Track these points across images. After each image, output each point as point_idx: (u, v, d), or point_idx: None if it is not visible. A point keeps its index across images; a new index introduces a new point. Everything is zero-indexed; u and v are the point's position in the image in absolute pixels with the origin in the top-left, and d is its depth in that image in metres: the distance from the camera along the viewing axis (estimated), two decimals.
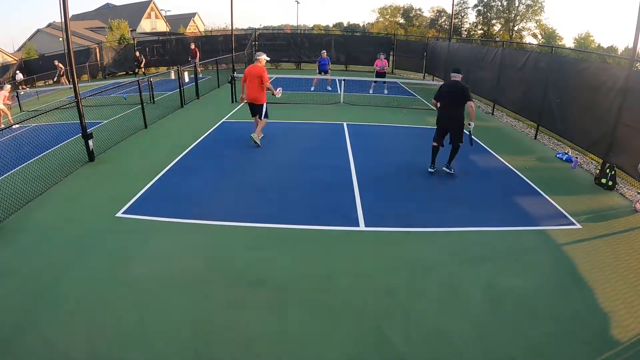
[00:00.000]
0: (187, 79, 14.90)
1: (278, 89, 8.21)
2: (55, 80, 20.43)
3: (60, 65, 20.28)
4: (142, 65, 21.05)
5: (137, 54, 20.99)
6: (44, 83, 21.57)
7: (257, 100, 7.67)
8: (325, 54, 14.89)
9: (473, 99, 6.46)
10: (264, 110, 7.79)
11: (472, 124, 6.42)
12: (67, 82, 19.31)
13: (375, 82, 14.56)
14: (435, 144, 6.64)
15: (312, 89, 14.37)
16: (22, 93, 15.21)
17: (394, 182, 6.31)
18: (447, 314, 3.44)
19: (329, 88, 15.11)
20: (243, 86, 7.86)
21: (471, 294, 3.70)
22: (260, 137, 7.84)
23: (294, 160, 7.19)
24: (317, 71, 14.79)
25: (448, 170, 6.66)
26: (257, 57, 7.75)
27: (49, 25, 32.25)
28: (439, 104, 6.72)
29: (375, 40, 25.34)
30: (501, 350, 3.06)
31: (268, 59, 7.95)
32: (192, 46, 19.35)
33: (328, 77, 14.99)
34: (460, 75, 6.80)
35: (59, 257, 4.15)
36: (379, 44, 22.47)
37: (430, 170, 6.67)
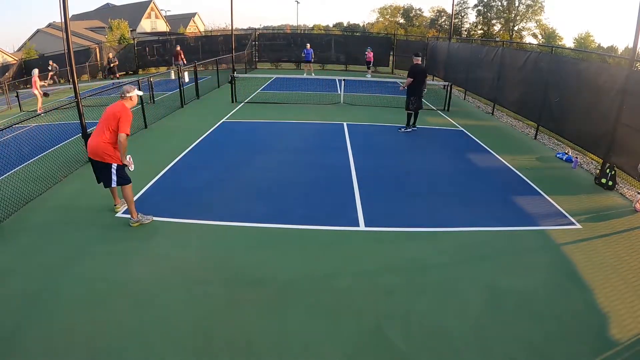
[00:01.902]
0: (187, 79, 14.90)
1: (128, 158, 4.68)
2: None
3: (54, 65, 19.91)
4: (114, 71, 18.36)
5: (110, 55, 18.52)
6: (44, 83, 21.54)
7: (98, 154, 4.57)
8: (310, 46, 19.40)
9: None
10: (114, 173, 4.63)
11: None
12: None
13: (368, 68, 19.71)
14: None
15: (310, 74, 17.85)
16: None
17: (394, 182, 6.31)
18: (447, 314, 3.44)
19: (312, 75, 18.13)
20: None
21: (471, 294, 3.70)
22: (138, 222, 4.78)
23: (294, 160, 7.19)
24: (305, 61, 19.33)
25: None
26: (124, 94, 4.65)
27: (49, 25, 32.24)
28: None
29: (375, 40, 25.32)
30: (501, 350, 3.06)
31: (140, 93, 5.01)
32: (178, 48, 18.79)
33: (311, 67, 19.58)
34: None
35: (59, 257, 4.15)
36: (379, 44, 22.47)
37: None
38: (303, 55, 19.30)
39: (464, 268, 4.11)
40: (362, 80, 16.78)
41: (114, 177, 4.64)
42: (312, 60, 19.27)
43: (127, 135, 4.54)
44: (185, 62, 17.68)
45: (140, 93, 5.06)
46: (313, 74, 18.05)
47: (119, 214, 5.06)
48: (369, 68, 19.54)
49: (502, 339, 3.17)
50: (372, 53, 19.25)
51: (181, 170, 6.67)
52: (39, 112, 9.62)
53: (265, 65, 23.84)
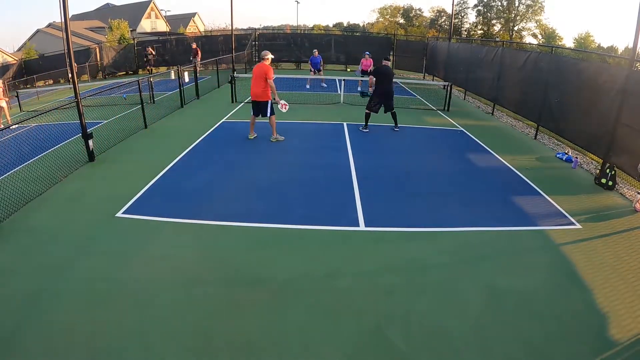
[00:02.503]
0: (187, 79, 14.90)
1: (282, 103, 8.30)
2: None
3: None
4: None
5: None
6: (44, 83, 21.58)
7: (259, 97, 7.91)
8: (317, 52, 15.93)
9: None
10: (269, 107, 7.94)
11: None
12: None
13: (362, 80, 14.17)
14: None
15: (308, 87, 15.33)
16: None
17: (394, 182, 6.31)
18: (447, 314, 3.44)
19: (324, 85, 15.96)
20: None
21: (471, 294, 3.70)
22: (276, 139, 8.21)
23: (294, 160, 7.19)
24: (310, 69, 15.85)
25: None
26: (263, 57, 7.93)
27: (49, 25, 32.26)
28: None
29: (375, 40, 25.33)
30: (501, 350, 3.06)
31: (272, 57, 8.01)
32: (194, 45, 19.14)
33: (321, 75, 15.88)
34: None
35: (59, 257, 4.15)
36: (379, 44, 22.49)
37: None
38: (310, 66, 15.78)
39: (464, 268, 4.11)
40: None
41: (268, 109, 7.94)
42: (322, 69, 15.77)
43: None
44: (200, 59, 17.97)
45: (270, 55, 7.96)
46: (308, 85, 15.39)
47: (118, 214, 5.07)
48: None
49: (502, 339, 3.17)
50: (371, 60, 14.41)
51: (181, 170, 6.67)
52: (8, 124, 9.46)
53: None
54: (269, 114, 7.96)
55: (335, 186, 6.06)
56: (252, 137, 8.26)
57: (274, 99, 7.92)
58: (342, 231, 4.77)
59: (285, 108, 8.31)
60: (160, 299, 3.54)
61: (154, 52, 21.18)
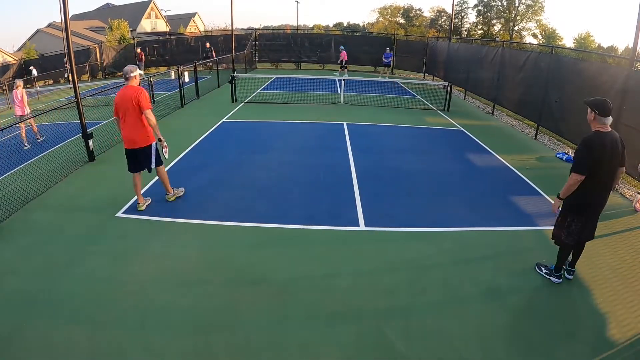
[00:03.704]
0: (187, 79, 14.90)
1: (165, 145, 5.07)
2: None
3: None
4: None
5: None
6: (44, 83, 21.59)
7: (137, 142, 4.92)
8: (389, 50, 19.26)
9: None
10: (153, 154, 4.99)
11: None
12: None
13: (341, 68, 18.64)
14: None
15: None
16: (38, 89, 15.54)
17: (394, 182, 6.31)
18: (447, 314, 3.44)
19: (385, 78, 19.23)
20: (118, 124, 5.20)
21: (471, 294, 3.70)
22: (174, 195, 5.38)
23: (294, 160, 7.18)
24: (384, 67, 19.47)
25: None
26: (128, 75, 4.91)
27: (49, 25, 32.29)
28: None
29: (375, 40, 25.32)
30: (501, 350, 3.06)
31: (141, 72, 4.93)
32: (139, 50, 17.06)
33: (387, 72, 19.85)
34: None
35: (59, 257, 4.15)
36: (379, 44, 22.49)
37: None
38: (383, 59, 19.00)
39: (464, 268, 4.11)
40: (362, 80, 16.78)
41: (153, 158, 4.99)
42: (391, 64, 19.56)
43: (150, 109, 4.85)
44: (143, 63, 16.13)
45: (139, 70, 5.35)
46: (387, 78, 19.27)
47: (118, 214, 5.07)
48: (342, 68, 18.73)
49: (502, 339, 3.17)
50: (344, 52, 18.43)
51: (181, 171, 6.66)
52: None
53: (265, 65, 23.84)
54: (154, 164, 5.04)
55: (335, 186, 6.06)
56: (144, 208, 5.16)
57: (159, 138, 4.95)
58: (342, 231, 4.77)
59: (167, 152, 5.18)
60: (160, 299, 3.54)
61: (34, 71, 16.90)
